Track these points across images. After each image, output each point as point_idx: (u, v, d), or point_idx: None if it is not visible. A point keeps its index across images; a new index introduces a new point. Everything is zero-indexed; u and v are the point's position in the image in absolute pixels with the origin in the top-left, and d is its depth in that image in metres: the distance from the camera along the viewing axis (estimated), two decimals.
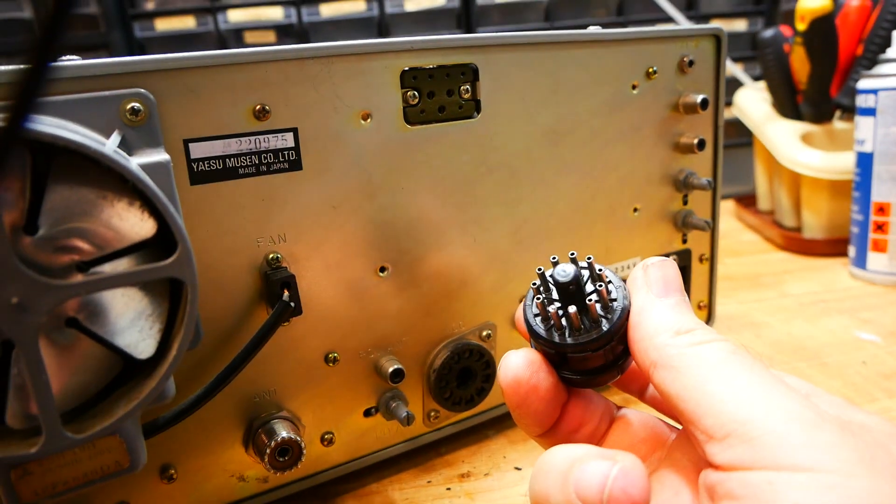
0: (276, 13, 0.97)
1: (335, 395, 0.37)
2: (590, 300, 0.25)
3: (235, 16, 0.96)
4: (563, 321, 0.25)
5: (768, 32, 0.82)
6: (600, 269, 0.26)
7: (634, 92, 0.44)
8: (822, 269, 0.73)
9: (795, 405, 0.20)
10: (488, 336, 0.41)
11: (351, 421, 0.38)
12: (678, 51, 0.45)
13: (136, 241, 0.23)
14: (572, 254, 0.26)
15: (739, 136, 1.03)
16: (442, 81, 0.37)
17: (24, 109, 0.17)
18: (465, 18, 1.02)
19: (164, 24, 0.95)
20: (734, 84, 1.00)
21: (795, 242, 0.81)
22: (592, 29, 0.42)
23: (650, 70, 0.44)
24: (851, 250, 0.69)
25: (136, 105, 0.28)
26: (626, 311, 0.25)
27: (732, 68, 0.98)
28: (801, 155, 0.78)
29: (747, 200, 0.99)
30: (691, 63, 0.46)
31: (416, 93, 0.36)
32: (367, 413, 0.38)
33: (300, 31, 0.98)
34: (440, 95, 0.37)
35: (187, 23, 0.95)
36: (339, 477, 0.39)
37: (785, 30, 0.82)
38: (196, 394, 0.31)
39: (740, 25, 1.08)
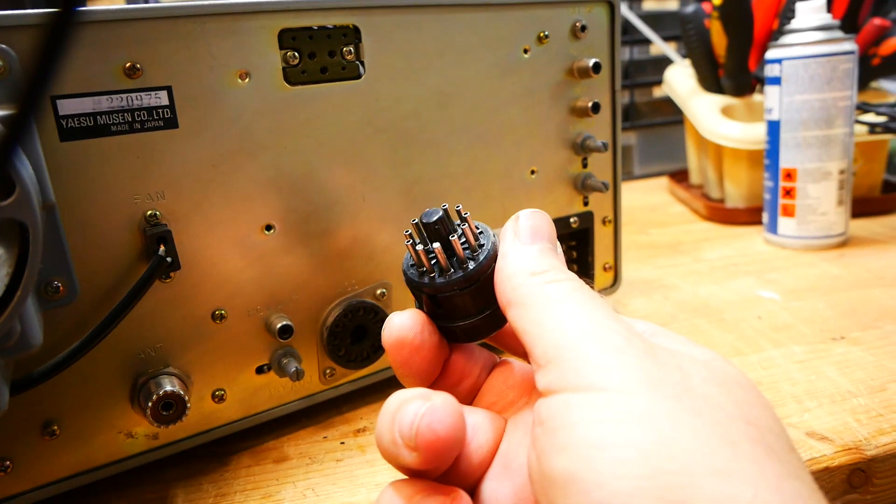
0: None
1: (225, 352, 0.38)
2: (453, 238, 0.26)
3: None
4: (433, 263, 0.26)
5: (689, 8, 0.84)
6: (467, 214, 0.27)
7: (526, 56, 0.45)
8: (740, 237, 0.75)
9: (608, 333, 0.21)
10: (383, 295, 0.42)
11: (243, 378, 0.39)
12: (570, 16, 0.47)
13: None
14: (444, 205, 0.27)
15: (675, 114, 1.05)
16: (323, 42, 0.37)
17: None
18: None
19: (99, 3, 0.94)
20: (666, 62, 1.02)
21: (718, 212, 0.83)
22: None
23: (541, 34, 0.45)
24: (765, 216, 0.71)
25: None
26: (492, 255, 0.26)
27: (662, 46, 1.00)
28: (721, 127, 0.80)
29: (680, 176, 1.01)
30: (584, 28, 0.47)
31: (296, 53, 0.36)
32: (260, 370, 0.39)
33: None
34: (322, 56, 0.37)
35: (120, 1, 0.95)
36: (238, 434, 0.40)
37: (707, 6, 0.84)
38: (71, 347, 0.31)
39: (672, 4, 1.10)
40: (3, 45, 0.29)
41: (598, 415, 0.19)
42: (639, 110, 1.15)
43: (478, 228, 0.27)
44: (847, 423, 0.37)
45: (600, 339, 0.21)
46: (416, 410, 0.23)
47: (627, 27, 1.03)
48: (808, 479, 0.19)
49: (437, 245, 0.26)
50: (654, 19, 1.07)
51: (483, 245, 0.27)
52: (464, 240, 0.27)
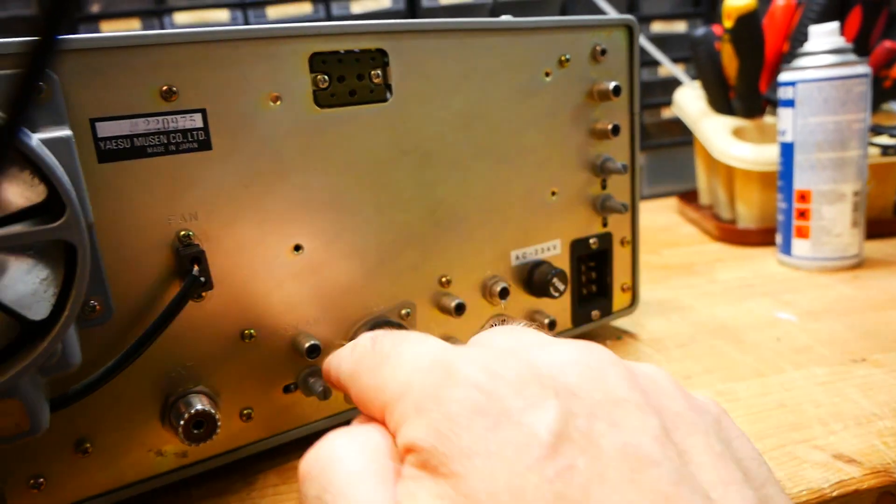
0: (222, 15, 0.98)
1: (253, 371, 0.38)
2: None
3: (182, 18, 0.97)
4: None
5: (700, 31, 0.85)
6: None
7: (548, 79, 0.46)
8: (754, 258, 0.76)
9: None
10: (407, 314, 0.42)
11: (270, 397, 0.39)
12: (590, 40, 0.47)
13: (26, 206, 0.24)
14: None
15: (684, 135, 1.06)
16: (352, 66, 0.38)
17: None
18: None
19: (109, 27, 0.95)
20: (675, 83, 1.03)
21: (730, 233, 0.83)
22: (504, 18, 0.44)
23: (563, 58, 0.46)
24: (778, 238, 0.72)
25: (39, 84, 0.29)
26: None
27: (672, 68, 1.01)
28: (732, 148, 0.80)
29: (690, 196, 1.02)
30: (604, 52, 0.48)
31: (326, 77, 0.37)
32: (287, 389, 0.39)
33: None
34: (350, 79, 0.38)
35: (133, 25, 0.96)
36: (263, 453, 0.40)
37: (717, 29, 0.85)
38: (106, 366, 0.32)
39: (680, 27, 1.11)
40: (46, 69, 0.29)
41: None
42: (647, 131, 1.16)
43: None
44: (874, 446, 0.37)
45: None
46: None
47: None
48: None
49: None
50: (662, 41, 1.08)
51: None
52: None
